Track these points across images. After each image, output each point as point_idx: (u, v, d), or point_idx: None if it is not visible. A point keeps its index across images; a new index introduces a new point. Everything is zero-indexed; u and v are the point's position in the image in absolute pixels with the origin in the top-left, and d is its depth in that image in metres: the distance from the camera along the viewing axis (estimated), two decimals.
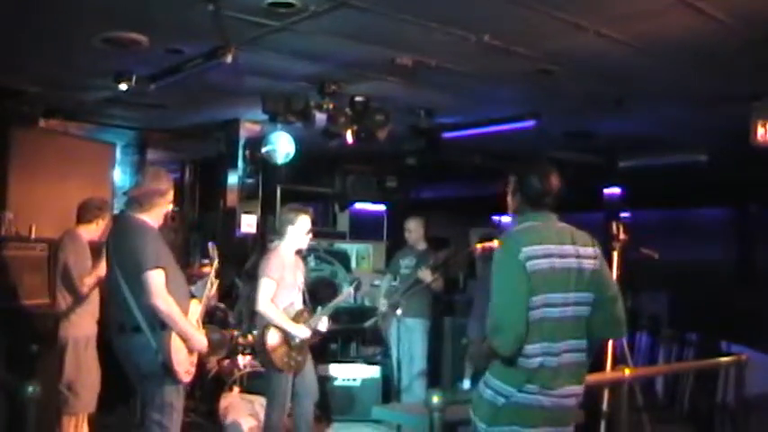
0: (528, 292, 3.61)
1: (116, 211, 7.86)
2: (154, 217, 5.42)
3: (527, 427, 3.65)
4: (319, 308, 6.84)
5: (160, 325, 5.12)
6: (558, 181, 3.90)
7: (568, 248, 3.76)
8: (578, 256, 3.77)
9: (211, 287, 5.84)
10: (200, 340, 5.36)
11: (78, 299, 6.68)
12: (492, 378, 3.73)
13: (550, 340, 3.67)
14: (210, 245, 6.26)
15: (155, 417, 5.34)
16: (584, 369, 3.87)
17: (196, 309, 5.54)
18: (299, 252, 6.92)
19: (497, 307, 3.65)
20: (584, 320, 3.78)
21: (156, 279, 5.09)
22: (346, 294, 7.08)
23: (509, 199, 4.00)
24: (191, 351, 5.31)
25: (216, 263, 6.01)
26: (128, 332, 5.14)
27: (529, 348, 3.63)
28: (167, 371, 5.15)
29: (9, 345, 6.62)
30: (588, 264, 3.80)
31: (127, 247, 5.22)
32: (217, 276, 6.11)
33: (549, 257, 3.68)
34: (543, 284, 3.64)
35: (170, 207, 5.59)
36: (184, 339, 5.22)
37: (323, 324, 6.77)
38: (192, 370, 5.39)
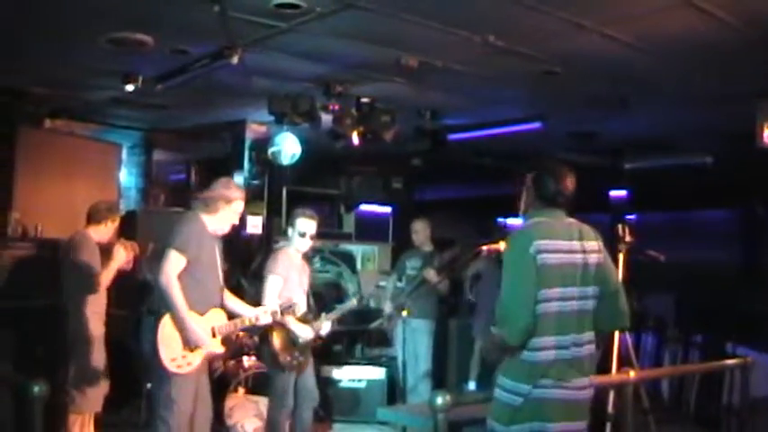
0: (537, 285, 3.69)
1: (122, 213, 7.87)
2: (216, 221, 5.62)
3: (546, 422, 3.70)
4: (323, 313, 6.85)
5: (164, 309, 5.28)
6: (573, 182, 3.99)
7: (575, 244, 3.85)
8: (584, 252, 3.86)
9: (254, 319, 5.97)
10: (198, 337, 5.38)
11: (86, 299, 6.70)
12: (506, 379, 3.78)
13: (562, 333, 3.75)
14: None
15: (158, 411, 5.45)
16: (593, 361, 3.95)
17: (220, 318, 5.64)
18: (305, 255, 6.93)
19: (506, 298, 3.73)
20: (590, 314, 3.87)
21: (171, 258, 5.27)
22: (349, 306, 7.08)
23: (522, 196, 4.09)
24: (186, 344, 5.34)
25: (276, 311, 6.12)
26: (145, 315, 5.34)
27: (541, 342, 3.71)
28: (155, 355, 5.27)
29: (16, 344, 6.64)
30: (593, 258, 3.89)
31: (170, 230, 5.45)
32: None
33: (559, 253, 3.77)
34: (553, 278, 3.72)
35: (236, 219, 5.76)
36: (180, 329, 5.29)
37: (326, 328, 6.78)
38: (185, 365, 5.41)
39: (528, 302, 3.66)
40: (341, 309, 7.07)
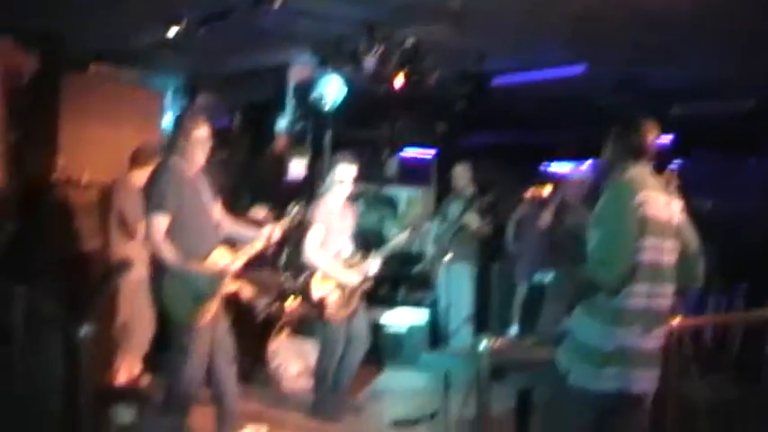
0: (637, 234, 3.79)
1: None
2: (186, 159, 5.48)
3: (633, 368, 3.82)
4: (372, 252, 6.85)
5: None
6: (657, 136, 4.09)
7: (667, 200, 3.99)
8: (671, 207, 4.01)
9: (265, 241, 5.78)
10: (204, 287, 5.35)
11: (131, 243, 6.78)
12: (595, 323, 3.84)
13: (653, 283, 3.86)
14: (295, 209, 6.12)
15: (173, 362, 5.46)
16: (669, 315, 4.07)
17: (224, 256, 5.55)
18: (349, 198, 6.92)
19: (606, 242, 3.80)
20: (672, 268, 3.98)
21: (152, 222, 5.25)
22: (401, 240, 7.05)
23: (609, 147, 4.16)
24: (197, 296, 5.34)
25: (288, 221, 5.93)
26: None
27: (634, 289, 3.81)
28: (165, 311, 5.37)
29: (65, 287, 6.73)
30: (678, 216, 4.05)
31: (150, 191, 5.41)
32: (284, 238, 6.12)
33: (656, 205, 3.89)
34: (650, 229, 3.83)
35: (203, 148, 5.53)
36: (186, 283, 5.29)
37: (374, 268, 6.79)
38: (201, 316, 5.40)
39: (628, 249, 3.75)
40: (392, 244, 7.05)
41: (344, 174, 6.70)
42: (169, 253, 5.24)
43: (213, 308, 5.49)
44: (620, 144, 4.10)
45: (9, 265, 6.95)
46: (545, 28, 7.58)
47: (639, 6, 6.61)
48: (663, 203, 3.93)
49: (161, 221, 5.25)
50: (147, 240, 5.31)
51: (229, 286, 5.64)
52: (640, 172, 3.99)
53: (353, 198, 7.37)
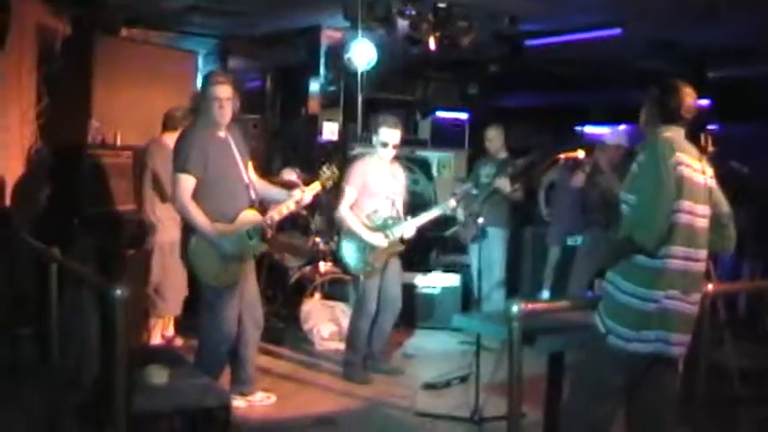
0: (674, 195, 3.75)
1: None
2: (209, 119, 5.49)
3: (671, 332, 3.81)
4: (408, 217, 6.85)
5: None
6: (694, 100, 4.02)
7: (700, 164, 3.95)
8: (704, 173, 3.96)
9: (294, 204, 5.77)
10: (229, 249, 5.39)
11: (164, 205, 6.81)
12: (635, 285, 3.81)
13: (690, 246, 3.84)
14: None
15: (203, 322, 5.59)
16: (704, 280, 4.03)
17: (253, 217, 5.58)
18: (395, 161, 6.91)
19: (644, 203, 3.77)
20: (706, 233, 3.95)
21: (178, 182, 5.33)
22: (444, 208, 7.01)
23: (645, 110, 4.10)
24: (223, 258, 5.38)
25: (317, 185, 5.88)
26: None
27: (672, 250, 3.79)
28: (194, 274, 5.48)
29: (98, 248, 6.78)
30: (710, 181, 4.01)
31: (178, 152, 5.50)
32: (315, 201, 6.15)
33: (691, 168, 3.85)
34: (687, 192, 3.80)
35: (225, 105, 5.46)
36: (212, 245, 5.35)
37: (408, 231, 6.78)
38: (230, 277, 5.46)
39: (666, 209, 3.73)
40: (434, 211, 7.03)
41: (387, 137, 6.67)
42: (195, 213, 5.29)
43: (241, 269, 5.52)
44: (656, 107, 4.04)
45: (44, 227, 7.02)
46: None
47: None
48: (697, 167, 3.89)
49: (186, 182, 5.29)
50: (174, 201, 5.36)
51: (258, 248, 5.66)
52: (676, 134, 3.95)
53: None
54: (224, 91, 5.44)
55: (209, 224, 5.32)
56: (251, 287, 5.77)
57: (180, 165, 5.31)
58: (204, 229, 5.31)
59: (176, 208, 5.35)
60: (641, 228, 3.73)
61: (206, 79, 5.66)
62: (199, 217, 5.29)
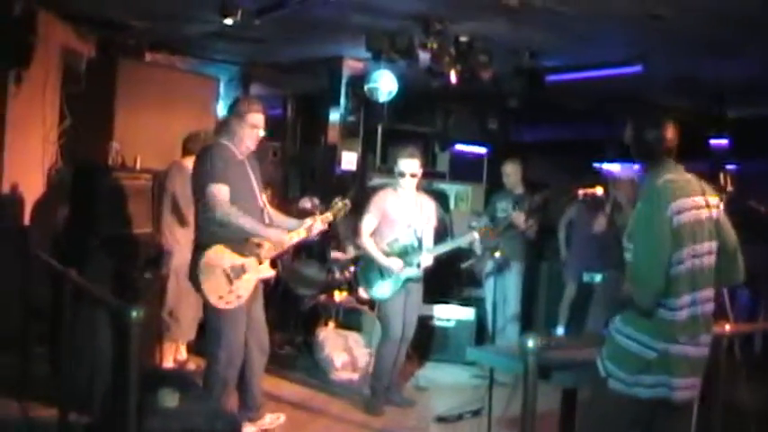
0: (672, 248, 3.67)
1: None
2: (239, 142, 5.55)
3: (673, 376, 3.71)
4: (427, 246, 6.84)
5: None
6: (674, 131, 3.89)
7: (702, 200, 3.82)
8: (708, 206, 3.83)
9: (305, 231, 5.77)
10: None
11: (183, 229, 6.82)
12: (637, 333, 3.75)
13: (695, 290, 3.75)
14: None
15: (209, 347, 5.56)
16: (713, 320, 3.94)
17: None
18: (421, 191, 6.94)
19: (639, 261, 3.71)
20: (713, 269, 3.85)
21: (215, 191, 5.30)
22: (469, 239, 7.01)
23: (630, 145, 3.98)
24: (229, 280, 5.37)
25: (329, 215, 5.86)
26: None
27: (678, 302, 3.71)
28: (199, 292, 5.43)
29: (115, 270, 6.80)
30: (715, 213, 3.88)
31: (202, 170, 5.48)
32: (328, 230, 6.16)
33: (692, 210, 3.75)
34: (687, 237, 3.71)
35: (257, 133, 5.58)
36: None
37: (426, 260, 6.77)
38: (234, 299, 5.42)
39: (661, 266, 3.64)
40: (456, 242, 7.04)
41: (405, 167, 6.70)
42: (242, 217, 5.31)
43: (246, 292, 5.52)
44: (634, 146, 3.94)
45: (61, 247, 7.04)
46: (604, 26, 7.50)
47: (706, 3, 6.48)
48: (701, 203, 3.78)
49: (222, 190, 5.29)
50: (215, 211, 5.27)
51: (265, 273, 5.66)
52: (675, 174, 3.83)
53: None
54: (261, 120, 5.57)
55: (257, 222, 5.42)
56: (257, 312, 5.76)
57: (211, 176, 5.30)
58: (254, 226, 5.38)
59: (219, 216, 5.28)
60: (638, 286, 3.69)
61: (245, 104, 5.66)
62: (246, 218, 5.33)
